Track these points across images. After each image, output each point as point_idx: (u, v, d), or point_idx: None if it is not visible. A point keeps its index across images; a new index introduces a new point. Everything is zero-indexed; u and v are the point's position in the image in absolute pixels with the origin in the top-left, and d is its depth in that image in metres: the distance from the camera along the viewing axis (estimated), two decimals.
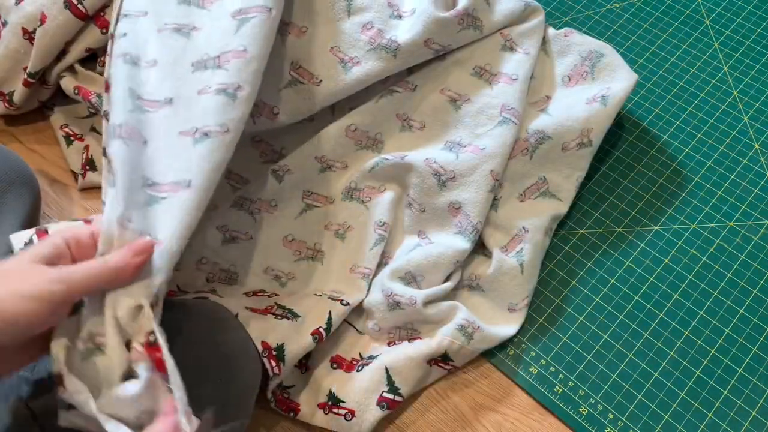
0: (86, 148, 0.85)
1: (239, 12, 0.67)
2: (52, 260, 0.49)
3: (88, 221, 0.70)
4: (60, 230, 0.52)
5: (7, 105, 0.85)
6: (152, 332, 0.50)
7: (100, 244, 0.52)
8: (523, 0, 0.86)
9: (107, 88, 0.62)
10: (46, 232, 0.65)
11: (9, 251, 0.66)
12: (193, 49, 0.65)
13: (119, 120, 0.58)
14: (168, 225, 0.54)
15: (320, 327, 0.69)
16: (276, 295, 0.73)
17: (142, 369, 0.50)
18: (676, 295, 0.76)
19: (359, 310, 0.75)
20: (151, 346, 0.50)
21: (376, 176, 0.79)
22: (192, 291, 0.73)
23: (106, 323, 0.50)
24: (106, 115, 0.61)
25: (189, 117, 0.61)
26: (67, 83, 0.83)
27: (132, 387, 0.49)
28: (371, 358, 0.71)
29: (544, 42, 0.87)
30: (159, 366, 0.50)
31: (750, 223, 0.80)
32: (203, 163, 0.58)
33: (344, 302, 0.72)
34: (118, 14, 0.67)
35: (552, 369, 0.72)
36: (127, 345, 0.51)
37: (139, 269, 0.51)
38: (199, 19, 0.68)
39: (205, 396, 0.55)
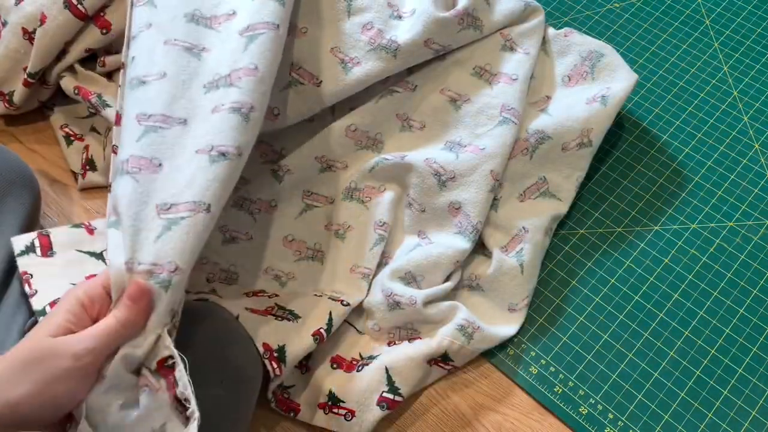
0: (86, 148, 0.85)
1: (247, 29, 0.66)
2: (72, 328, 0.50)
3: (90, 228, 0.71)
4: (72, 291, 0.52)
5: (7, 105, 0.85)
6: (170, 356, 0.51)
7: (113, 293, 0.53)
8: (523, 0, 0.86)
9: (118, 121, 0.63)
10: (47, 236, 0.65)
11: (10, 253, 0.66)
12: (205, 71, 0.65)
13: (126, 155, 0.58)
14: (181, 250, 0.54)
15: (321, 328, 0.69)
16: (276, 295, 0.73)
17: (144, 396, 0.51)
18: (676, 295, 0.76)
19: (359, 310, 0.75)
20: (167, 368, 0.51)
21: (376, 176, 0.79)
22: (192, 291, 0.73)
23: (115, 359, 0.51)
24: (115, 150, 0.61)
25: (204, 134, 0.60)
26: (67, 83, 0.83)
27: (129, 414, 0.50)
28: (371, 358, 0.71)
29: (544, 42, 0.87)
30: (171, 386, 0.51)
31: (750, 223, 0.80)
32: (220, 188, 0.58)
33: (344, 302, 0.72)
34: (128, 39, 0.66)
35: (552, 369, 0.72)
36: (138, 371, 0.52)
37: (146, 311, 0.52)
38: (209, 39, 0.67)
39: (206, 397, 0.55)
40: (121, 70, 0.66)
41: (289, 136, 0.81)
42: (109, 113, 0.80)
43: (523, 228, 0.77)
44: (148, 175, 0.57)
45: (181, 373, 0.51)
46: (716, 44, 0.94)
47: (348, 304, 0.72)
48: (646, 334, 0.74)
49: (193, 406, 0.51)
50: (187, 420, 0.51)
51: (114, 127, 0.64)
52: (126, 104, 0.62)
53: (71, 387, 0.48)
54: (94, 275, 0.66)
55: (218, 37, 0.67)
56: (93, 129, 0.86)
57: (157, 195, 0.56)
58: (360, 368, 0.70)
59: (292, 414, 0.69)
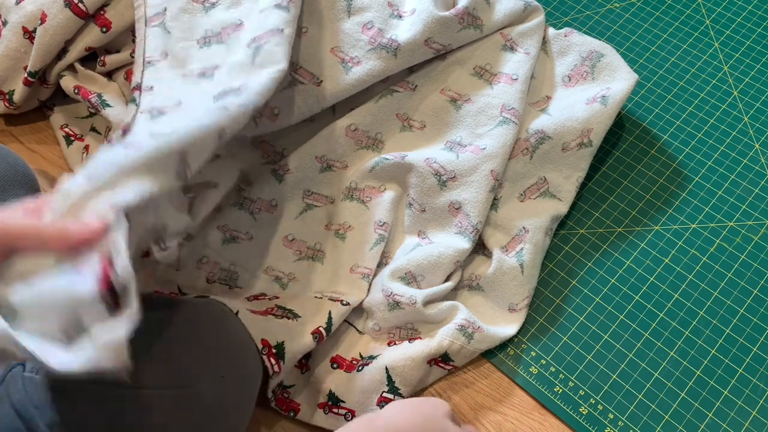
0: (86, 148, 0.85)
1: (253, 40, 0.68)
2: None
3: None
4: None
5: (7, 104, 0.85)
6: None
7: (53, 202, 0.51)
8: (523, 0, 0.86)
9: (124, 132, 0.64)
10: None
11: None
12: (216, 84, 0.67)
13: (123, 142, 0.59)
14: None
15: (320, 326, 0.69)
16: (277, 298, 0.73)
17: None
18: (676, 295, 0.76)
19: (359, 310, 0.75)
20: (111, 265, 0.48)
21: (376, 176, 0.79)
22: (192, 293, 0.73)
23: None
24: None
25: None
26: (67, 82, 0.83)
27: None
28: (371, 358, 0.71)
29: (545, 42, 0.87)
30: (104, 283, 0.48)
31: (750, 223, 0.80)
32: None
33: (344, 302, 0.72)
34: (143, 60, 0.69)
35: (552, 369, 0.72)
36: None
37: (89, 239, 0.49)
38: (220, 55, 0.70)
39: (205, 393, 0.55)
40: (137, 92, 0.68)
41: (290, 136, 0.81)
42: (109, 113, 0.80)
43: (524, 228, 0.77)
44: (133, 152, 0.57)
45: (122, 258, 0.47)
46: (716, 44, 0.94)
47: (348, 304, 0.72)
48: (647, 334, 0.73)
49: (131, 300, 0.47)
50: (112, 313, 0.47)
51: (118, 132, 0.65)
52: (138, 127, 0.64)
53: None
54: None
55: (227, 50, 0.70)
56: (93, 129, 0.86)
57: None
58: (360, 368, 0.70)
59: (292, 413, 0.69)
